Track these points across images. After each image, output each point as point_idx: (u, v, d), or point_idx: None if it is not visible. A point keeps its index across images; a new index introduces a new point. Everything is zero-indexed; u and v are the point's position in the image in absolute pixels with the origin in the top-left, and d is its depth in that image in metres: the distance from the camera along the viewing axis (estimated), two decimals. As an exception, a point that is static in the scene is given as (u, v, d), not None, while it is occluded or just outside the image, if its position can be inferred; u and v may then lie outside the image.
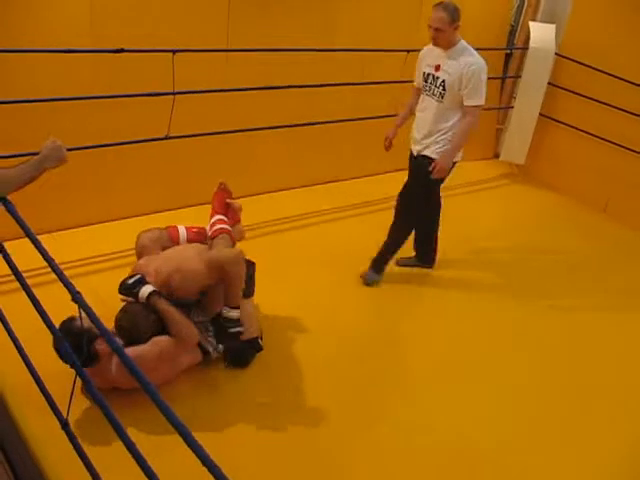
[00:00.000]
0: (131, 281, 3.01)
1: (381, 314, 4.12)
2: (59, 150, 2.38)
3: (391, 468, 2.86)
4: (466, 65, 3.85)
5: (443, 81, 3.92)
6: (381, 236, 4.29)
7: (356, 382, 3.36)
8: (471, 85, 3.85)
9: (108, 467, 2.04)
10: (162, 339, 2.95)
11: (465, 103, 3.92)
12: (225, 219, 3.54)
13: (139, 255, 3.34)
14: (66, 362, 2.57)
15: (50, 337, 2.45)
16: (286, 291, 4.04)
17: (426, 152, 4.07)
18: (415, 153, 4.15)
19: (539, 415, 3.31)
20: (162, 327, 2.99)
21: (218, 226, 3.46)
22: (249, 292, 3.41)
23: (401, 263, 4.54)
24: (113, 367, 2.82)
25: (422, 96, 4.11)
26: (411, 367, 3.61)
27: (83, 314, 1.88)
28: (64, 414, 2.12)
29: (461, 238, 5.09)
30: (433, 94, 3.99)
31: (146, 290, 2.97)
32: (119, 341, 2.83)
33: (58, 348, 2.69)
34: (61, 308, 2.35)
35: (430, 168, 4.01)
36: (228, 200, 3.65)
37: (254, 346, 3.36)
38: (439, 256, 4.63)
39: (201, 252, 3.25)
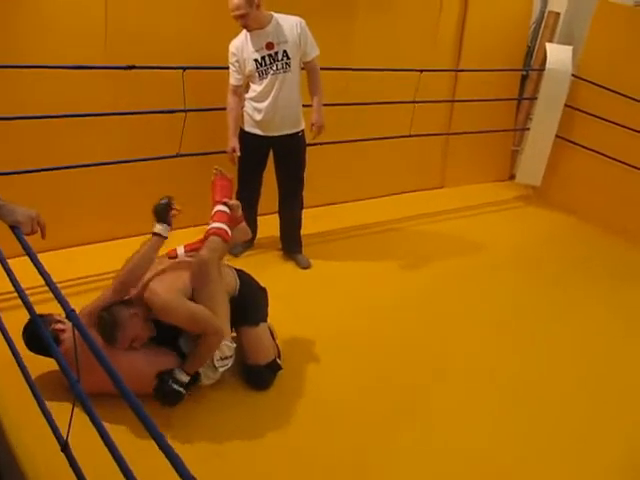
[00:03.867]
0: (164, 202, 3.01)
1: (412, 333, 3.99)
2: (29, 221, 2.26)
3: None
4: (293, 27, 4.06)
5: (285, 51, 4.05)
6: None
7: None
8: (307, 40, 4.11)
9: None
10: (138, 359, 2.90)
11: (309, 58, 4.18)
12: (227, 211, 3.31)
13: None
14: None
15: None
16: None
17: (291, 130, 4.26)
18: (277, 133, 4.24)
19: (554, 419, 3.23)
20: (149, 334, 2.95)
21: (213, 225, 3.24)
22: (263, 317, 3.36)
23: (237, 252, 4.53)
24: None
25: (261, 83, 4.12)
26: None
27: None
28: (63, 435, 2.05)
29: (472, 260, 5.04)
30: (278, 69, 4.09)
31: (157, 228, 2.97)
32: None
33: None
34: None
35: (314, 130, 4.32)
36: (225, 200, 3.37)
37: (273, 368, 3.31)
38: (453, 277, 4.62)
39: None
